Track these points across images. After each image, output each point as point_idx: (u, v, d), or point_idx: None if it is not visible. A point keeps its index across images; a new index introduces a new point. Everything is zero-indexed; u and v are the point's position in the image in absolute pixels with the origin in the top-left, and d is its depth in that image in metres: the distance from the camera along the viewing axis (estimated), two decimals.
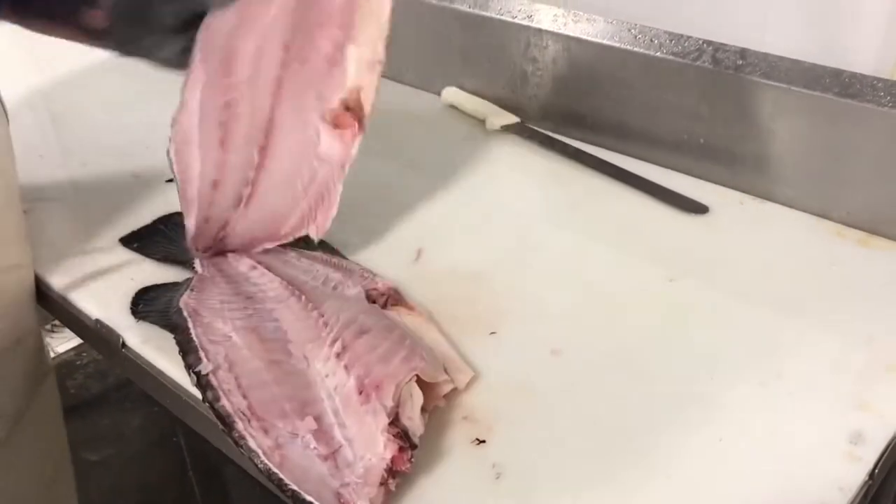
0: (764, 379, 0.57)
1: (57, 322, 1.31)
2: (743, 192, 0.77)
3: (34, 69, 1.10)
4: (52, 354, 1.71)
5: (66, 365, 1.69)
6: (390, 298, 0.63)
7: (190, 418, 0.59)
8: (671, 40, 0.78)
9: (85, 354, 1.71)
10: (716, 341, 0.60)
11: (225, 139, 0.64)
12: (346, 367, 0.52)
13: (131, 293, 0.66)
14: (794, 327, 0.61)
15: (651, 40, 0.79)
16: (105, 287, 0.68)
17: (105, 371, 1.71)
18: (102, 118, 0.96)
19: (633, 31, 0.80)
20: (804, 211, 0.74)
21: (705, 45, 0.76)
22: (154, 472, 1.51)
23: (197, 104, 0.61)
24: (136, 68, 0.60)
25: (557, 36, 0.85)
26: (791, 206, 0.75)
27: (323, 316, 0.57)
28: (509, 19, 0.88)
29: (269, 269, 0.65)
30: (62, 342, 1.74)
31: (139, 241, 0.72)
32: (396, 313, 0.61)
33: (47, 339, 1.73)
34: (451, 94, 0.95)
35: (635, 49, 0.80)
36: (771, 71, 0.72)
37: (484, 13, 0.90)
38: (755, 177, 0.76)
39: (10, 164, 0.70)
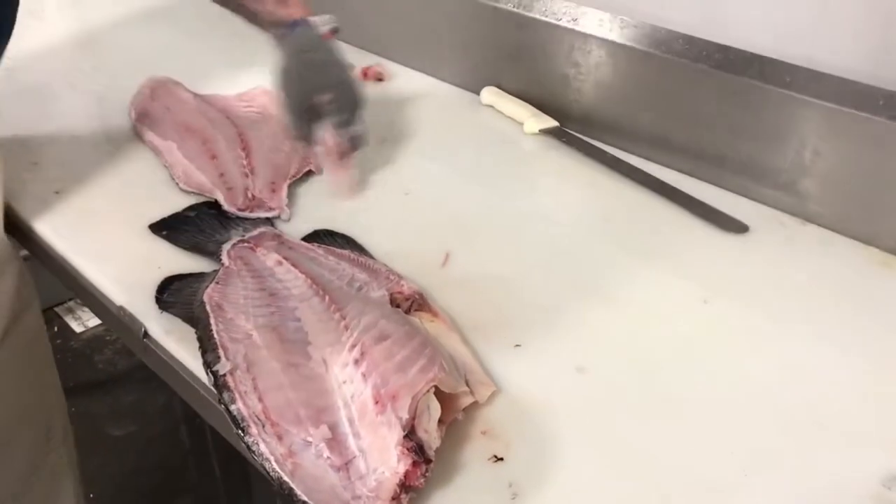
0: (795, 410, 0.55)
1: None
2: (785, 212, 0.75)
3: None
4: (81, 329, 1.73)
5: (95, 340, 1.71)
6: (414, 303, 0.61)
7: (206, 412, 0.58)
8: (718, 52, 0.76)
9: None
10: (747, 367, 0.59)
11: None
12: (363, 374, 0.51)
13: (157, 281, 0.66)
14: (830, 358, 0.59)
15: (699, 51, 0.77)
16: (131, 273, 0.68)
17: None
18: None
19: (680, 40, 0.78)
20: (848, 236, 0.71)
21: (753, 59, 0.74)
22: (176, 451, 1.52)
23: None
24: None
25: (602, 41, 0.83)
26: (834, 231, 0.72)
27: (345, 319, 0.56)
28: (553, 21, 0.86)
29: (295, 265, 0.65)
30: (92, 316, 1.75)
31: (168, 228, 0.72)
32: (419, 319, 0.60)
33: (79, 312, 1.76)
34: (491, 94, 0.94)
35: (681, 59, 0.78)
36: (820, 89, 0.70)
37: (528, 14, 0.88)
38: (798, 197, 0.74)
39: None
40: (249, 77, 0.94)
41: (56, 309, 1.78)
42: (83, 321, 1.75)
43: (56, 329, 1.74)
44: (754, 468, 0.51)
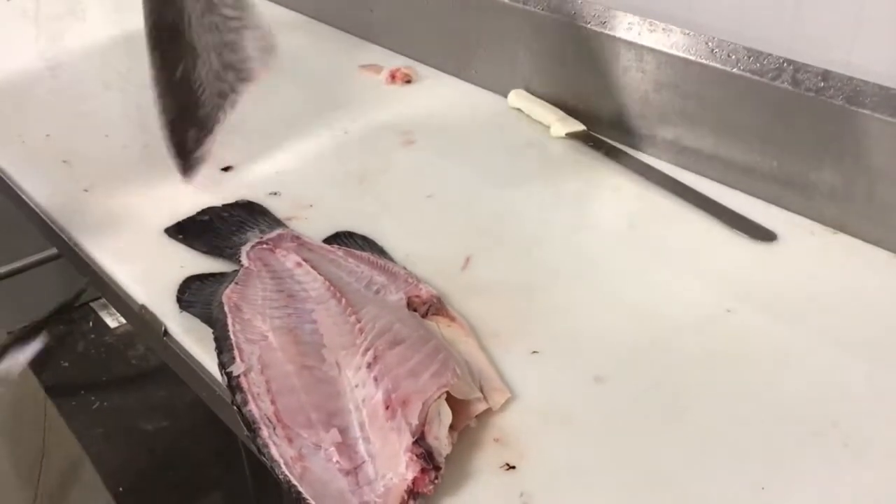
0: (819, 427, 0.53)
1: None
2: (815, 220, 0.73)
3: None
4: (115, 324, 1.76)
5: (128, 335, 1.74)
6: (432, 307, 0.61)
7: (223, 412, 0.58)
8: (750, 56, 0.74)
9: None
10: (771, 381, 0.57)
11: None
12: (375, 378, 0.50)
13: (179, 280, 0.66)
14: (860, 373, 0.58)
15: (728, 55, 0.75)
16: (154, 272, 0.68)
17: None
18: None
19: (710, 43, 0.77)
20: (880, 247, 0.69)
21: (786, 63, 0.72)
22: (205, 447, 1.53)
23: None
24: None
25: (630, 44, 0.82)
26: (866, 241, 0.70)
27: (360, 322, 0.56)
28: (582, 24, 0.85)
29: (314, 267, 0.65)
30: None
31: (184, 231, 0.73)
32: (436, 323, 0.59)
33: (113, 308, 1.78)
34: (518, 97, 0.93)
35: (711, 63, 0.77)
36: (855, 96, 0.68)
37: (555, 16, 0.88)
38: (829, 206, 0.72)
39: None
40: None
41: (92, 304, 1.81)
42: (117, 317, 1.78)
43: (91, 324, 1.77)
44: (776, 485, 0.49)
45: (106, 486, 1.44)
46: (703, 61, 0.77)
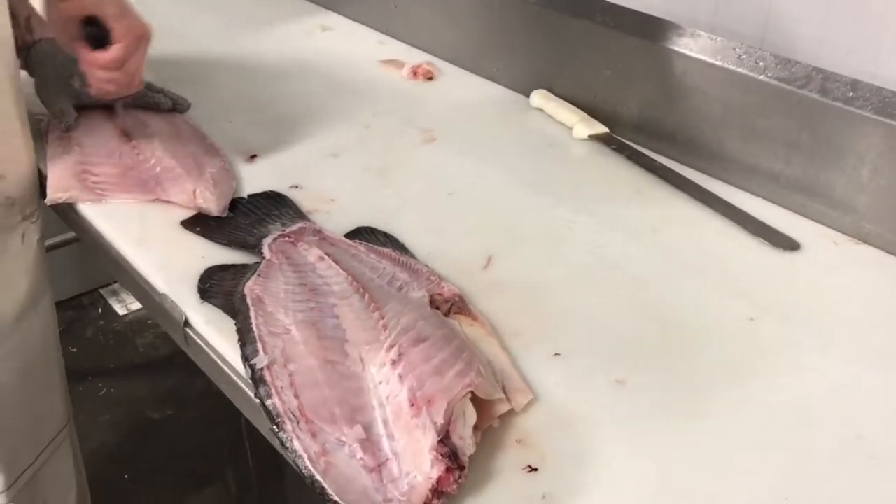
0: (843, 438, 0.53)
1: None
2: (839, 231, 0.73)
3: None
4: (124, 311, 1.76)
5: (137, 323, 1.74)
6: (454, 305, 0.61)
7: (242, 403, 0.58)
8: (778, 64, 0.74)
9: None
10: (792, 390, 0.57)
11: None
12: (400, 376, 0.50)
13: (200, 271, 0.66)
14: (881, 386, 0.57)
15: (756, 62, 0.75)
16: (175, 262, 0.68)
17: None
18: None
19: (737, 50, 0.76)
20: None
21: (814, 72, 0.72)
22: (210, 438, 1.53)
23: None
24: None
25: (657, 48, 0.81)
26: (889, 252, 0.70)
27: (383, 318, 0.56)
28: (605, 27, 0.85)
29: (336, 262, 0.64)
30: (135, 300, 1.78)
31: (202, 224, 0.72)
32: (458, 322, 0.59)
33: (123, 295, 1.79)
34: (540, 97, 0.93)
35: (738, 69, 0.76)
36: (884, 107, 0.68)
37: (578, 18, 0.87)
38: (854, 217, 0.71)
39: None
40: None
41: (101, 291, 1.81)
42: (126, 304, 1.77)
43: (99, 311, 1.77)
44: (797, 495, 0.49)
45: (111, 473, 1.44)
46: (730, 67, 0.76)
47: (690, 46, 0.79)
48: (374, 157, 0.85)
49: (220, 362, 0.60)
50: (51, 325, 0.78)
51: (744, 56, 0.76)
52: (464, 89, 0.99)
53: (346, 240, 0.69)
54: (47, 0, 0.74)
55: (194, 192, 0.74)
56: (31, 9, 0.83)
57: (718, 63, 0.77)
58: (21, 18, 0.80)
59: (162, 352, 1.69)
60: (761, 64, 0.75)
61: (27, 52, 0.82)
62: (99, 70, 0.75)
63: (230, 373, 0.59)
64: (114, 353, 1.68)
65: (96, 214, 0.74)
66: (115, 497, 1.39)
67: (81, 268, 1.72)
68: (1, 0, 0.67)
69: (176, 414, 1.57)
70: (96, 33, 0.74)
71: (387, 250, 0.68)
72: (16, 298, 0.71)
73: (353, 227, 0.72)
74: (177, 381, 1.63)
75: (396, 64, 1.04)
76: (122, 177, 0.76)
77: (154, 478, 1.46)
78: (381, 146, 0.88)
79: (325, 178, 0.81)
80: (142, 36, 0.75)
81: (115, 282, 1.80)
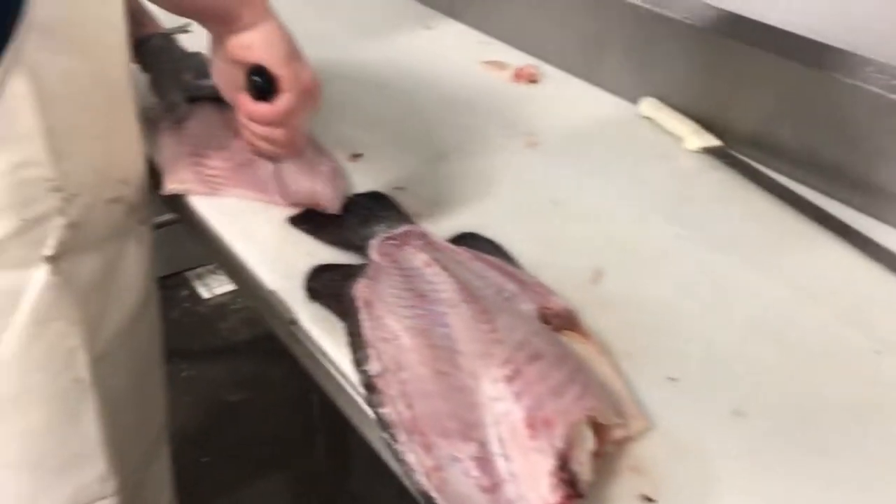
0: None
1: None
2: None
3: None
4: (208, 295, 1.79)
5: (220, 307, 1.77)
6: (564, 321, 0.59)
7: (346, 407, 0.58)
8: None
9: (240, 300, 1.78)
10: None
11: None
12: (515, 394, 0.49)
13: (307, 268, 0.66)
14: None
15: (890, 80, 0.71)
16: (282, 258, 0.68)
17: (256, 318, 1.78)
18: None
19: (869, 67, 0.73)
20: None
21: None
22: (284, 425, 1.55)
23: None
24: None
25: (773, 58, 0.78)
26: None
27: (495, 331, 0.54)
28: (723, 36, 0.82)
29: (444, 268, 0.63)
30: (220, 285, 1.81)
31: (308, 222, 0.72)
32: (569, 340, 0.58)
33: (208, 279, 1.82)
34: (650, 105, 0.90)
35: (867, 86, 0.72)
36: None
37: (698, 24, 0.84)
38: None
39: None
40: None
41: (186, 274, 1.85)
42: (211, 288, 1.81)
43: (184, 294, 1.81)
44: None
45: (189, 455, 1.47)
46: (859, 83, 0.73)
47: (806, 57, 0.76)
48: (476, 161, 0.84)
49: (325, 362, 0.59)
50: (157, 324, 0.79)
51: (875, 73, 0.72)
52: (568, 94, 0.97)
53: (451, 245, 0.68)
54: (214, 45, 0.70)
55: (313, 188, 0.73)
56: (138, 3, 0.84)
57: (846, 79, 0.73)
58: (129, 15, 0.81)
59: (243, 337, 1.72)
60: (893, 83, 0.71)
61: (139, 47, 0.84)
62: (258, 124, 0.70)
63: (336, 374, 0.58)
64: (196, 336, 1.72)
65: (206, 206, 0.75)
66: (191, 479, 1.42)
67: (169, 250, 1.76)
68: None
69: (252, 399, 1.60)
70: (261, 86, 0.68)
71: (492, 259, 0.67)
72: (133, 301, 0.71)
73: (455, 232, 0.71)
74: (256, 367, 1.66)
75: (499, 65, 1.02)
76: (235, 171, 0.76)
77: (230, 461, 1.48)
78: (482, 149, 0.86)
79: (427, 180, 0.80)
80: (309, 90, 0.68)
81: (202, 265, 1.84)
